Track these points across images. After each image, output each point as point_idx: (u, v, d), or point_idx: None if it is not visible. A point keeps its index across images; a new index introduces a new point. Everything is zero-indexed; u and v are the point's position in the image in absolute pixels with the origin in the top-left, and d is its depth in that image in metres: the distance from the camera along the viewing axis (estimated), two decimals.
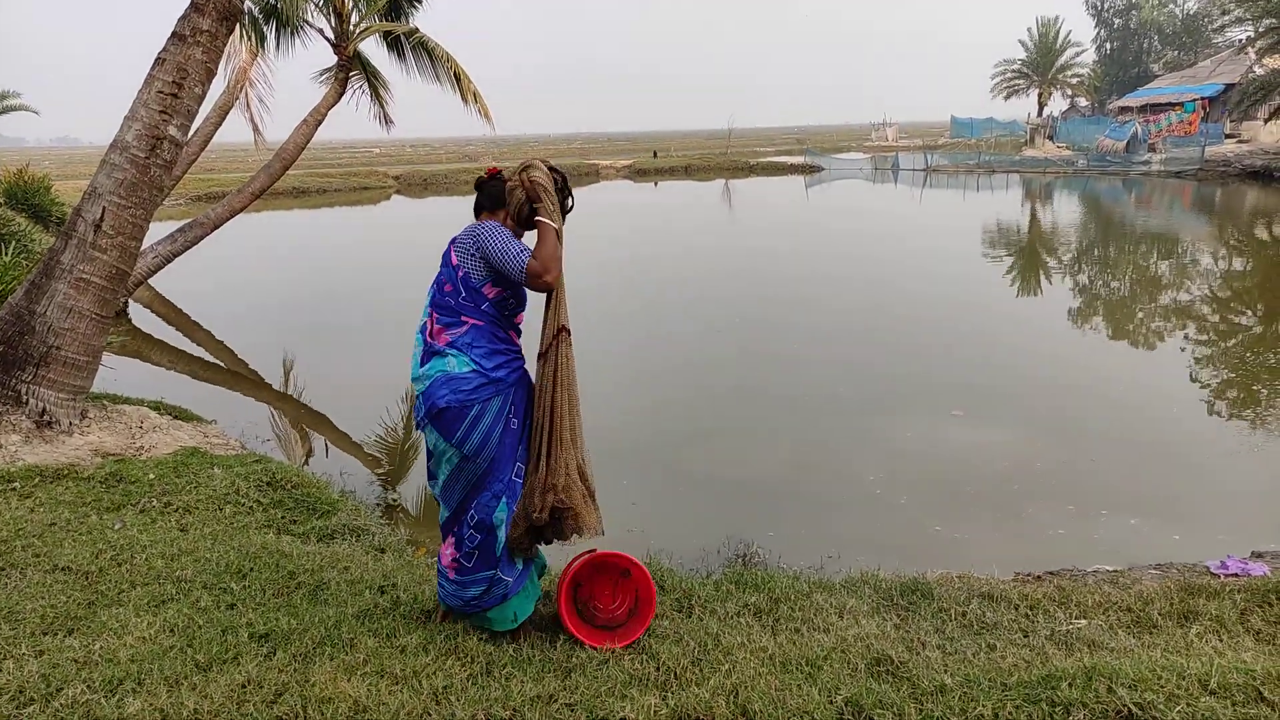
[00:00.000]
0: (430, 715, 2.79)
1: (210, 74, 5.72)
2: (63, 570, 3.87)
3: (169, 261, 13.46)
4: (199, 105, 5.74)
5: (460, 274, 3.22)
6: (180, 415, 6.73)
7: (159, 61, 5.54)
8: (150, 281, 16.23)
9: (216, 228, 13.71)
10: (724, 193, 35.56)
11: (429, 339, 3.27)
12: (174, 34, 5.56)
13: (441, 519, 3.43)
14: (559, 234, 3.23)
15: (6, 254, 8.14)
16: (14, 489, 4.77)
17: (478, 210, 3.41)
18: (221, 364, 11.58)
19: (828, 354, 9.96)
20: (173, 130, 5.58)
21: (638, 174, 45.11)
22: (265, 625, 3.42)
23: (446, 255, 3.29)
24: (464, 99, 12.07)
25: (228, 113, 17.17)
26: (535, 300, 3.36)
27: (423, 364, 3.27)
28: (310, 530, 4.99)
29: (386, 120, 15.19)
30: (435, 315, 3.27)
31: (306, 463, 7.05)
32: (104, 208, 5.43)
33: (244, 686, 2.93)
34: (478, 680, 3.06)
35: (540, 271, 3.12)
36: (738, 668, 3.14)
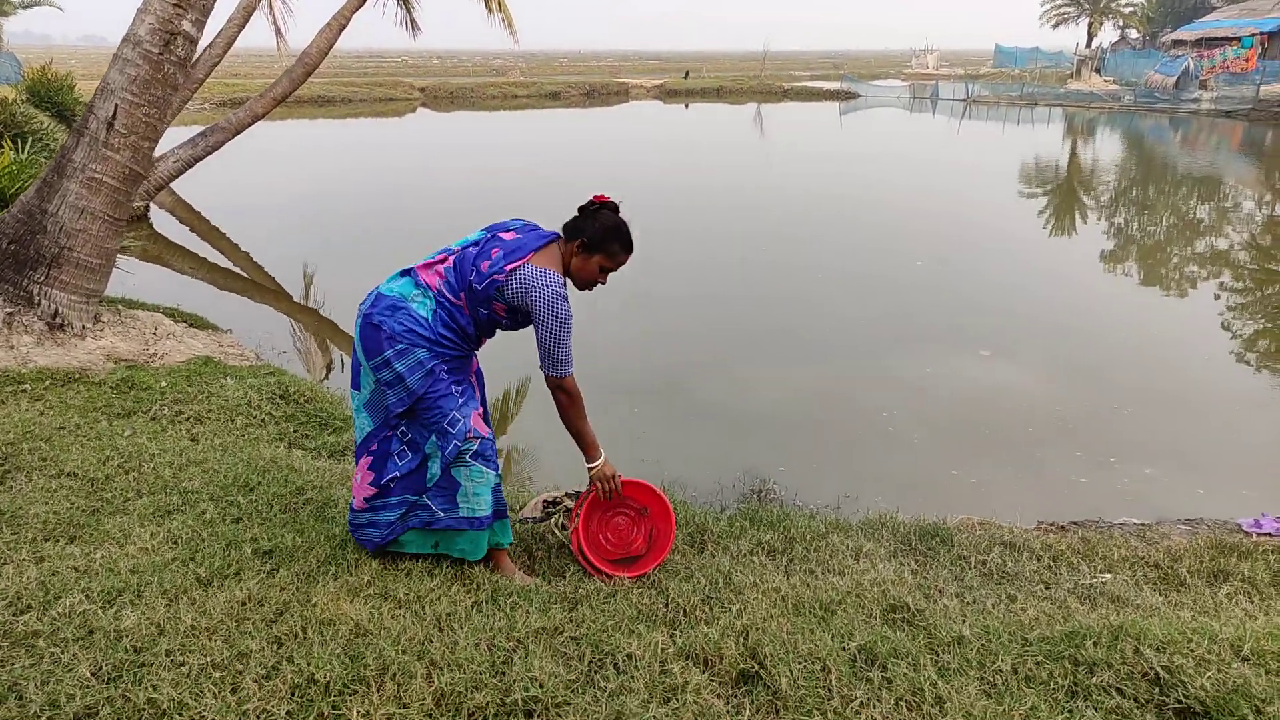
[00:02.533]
0: (432, 641, 2.72)
1: None
2: (69, 476, 3.82)
3: (190, 166, 13.28)
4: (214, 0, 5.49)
5: (491, 284, 2.98)
6: (195, 323, 6.66)
7: None
8: (174, 187, 16.12)
9: (238, 133, 13.47)
10: (755, 117, 34.69)
11: (421, 264, 3.09)
12: None
13: (360, 435, 3.19)
14: (589, 445, 3.22)
15: (24, 151, 7.99)
16: (24, 390, 4.72)
17: (567, 231, 3.11)
18: (243, 273, 11.50)
19: (849, 289, 9.72)
20: (187, 25, 5.35)
21: (668, 94, 44.06)
22: (270, 541, 3.36)
23: (494, 251, 3.00)
24: (488, 7, 11.64)
25: (251, 13, 16.66)
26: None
27: (397, 278, 3.09)
28: (321, 445, 4.93)
29: (413, 25, 14.77)
30: (442, 264, 3.07)
31: (326, 376, 6.99)
32: (116, 105, 5.25)
33: (244, 604, 2.87)
34: (482, 608, 2.99)
35: (566, 394, 3.07)
36: (749, 608, 3.05)
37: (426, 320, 3.02)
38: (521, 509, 4.01)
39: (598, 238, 3.03)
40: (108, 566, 3.06)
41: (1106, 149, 26.26)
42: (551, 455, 5.46)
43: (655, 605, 3.09)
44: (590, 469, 3.23)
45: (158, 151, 14.77)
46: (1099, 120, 33.68)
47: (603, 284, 3.14)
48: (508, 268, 2.96)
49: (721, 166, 20.85)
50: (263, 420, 5.06)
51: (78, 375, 4.99)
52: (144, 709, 2.34)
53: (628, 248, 3.12)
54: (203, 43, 16.06)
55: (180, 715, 2.32)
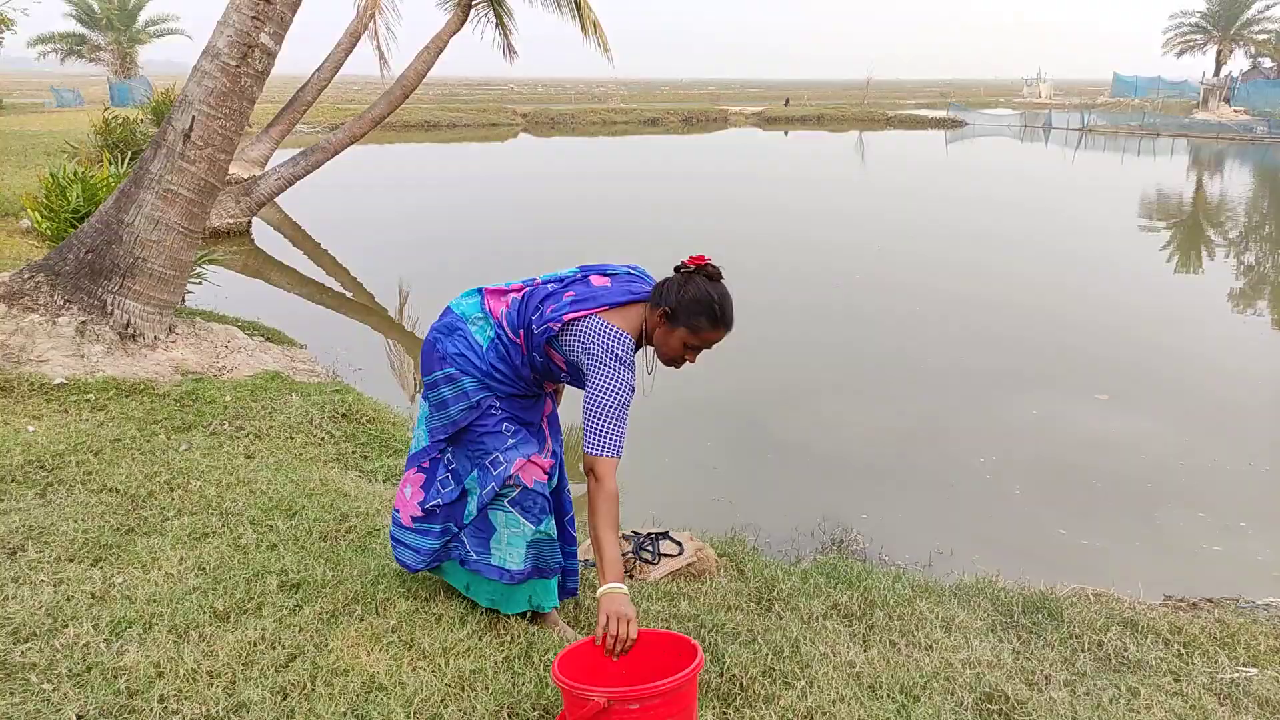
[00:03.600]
0: (448, 705, 2.42)
1: None
2: (110, 491, 3.69)
3: (291, 184, 13.66)
4: (293, 13, 5.44)
5: (546, 331, 2.60)
6: (271, 337, 6.62)
7: None
8: (282, 204, 16.66)
9: (338, 152, 13.80)
10: (857, 144, 33.98)
11: (492, 288, 2.79)
12: None
13: (414, 448, 2.92)
14: (606, 563, 2.42)
15: (123, 165, 8.20)
16: (88, 400, 4.68)
17: (655, 293, 2.61)
18: (341, 289, 11.62)
19: (951, 321, 9.11)
20: (265, 38, 5.31)
21: (767, 121, 43.70)
22: (300, 573, 3.12)
23: (568, 295, 2.62)
24: (583, 29, 11.57)
25: (358, 39, 17.23)
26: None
27: (467, 297, 2.82)
28: (379, 468, 4.74)
29: (510, 50, 14.89)
30: (514, 294, 2.74)
31: (414, 396, 6.85)
32: (193, 117, 5.24)
33: (255, 645, 2.63)
34: (512, 665, 2.67)
35: (597, 481, 2.45)
36: (816, 685, 2.65)
37: (481, 348, 2.73)
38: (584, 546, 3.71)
39: (683, 309, 2.52)
40: (125, 594, 2.87)
41: (1236, 182, 24.60)
42: (638, 497, 5.13)
43: (708, 674, 2.71)
44: (600, 595, 2.39)
45: (264, 165, 15.26)
46: (1228, 152, 31.70)
47: (691, 363, 2.63)
48: (567, 317, 2.55)
49: (818, 194, 20.34)
50: (322, 439, 4.90)
51: (143, 386, 4.93)
52: None
53: (719, 323, 2.56)
54: (311, 67, 16.60)
55: None
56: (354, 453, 4.90)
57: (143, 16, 39.49)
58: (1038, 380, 7.23)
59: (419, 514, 2.93)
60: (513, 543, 2.80)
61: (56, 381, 4.75)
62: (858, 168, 27.09)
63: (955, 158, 30.09)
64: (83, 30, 38.73)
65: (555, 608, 3.03)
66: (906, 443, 6.02)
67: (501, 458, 2.76)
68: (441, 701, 2.44)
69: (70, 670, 2.44)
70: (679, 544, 3.70)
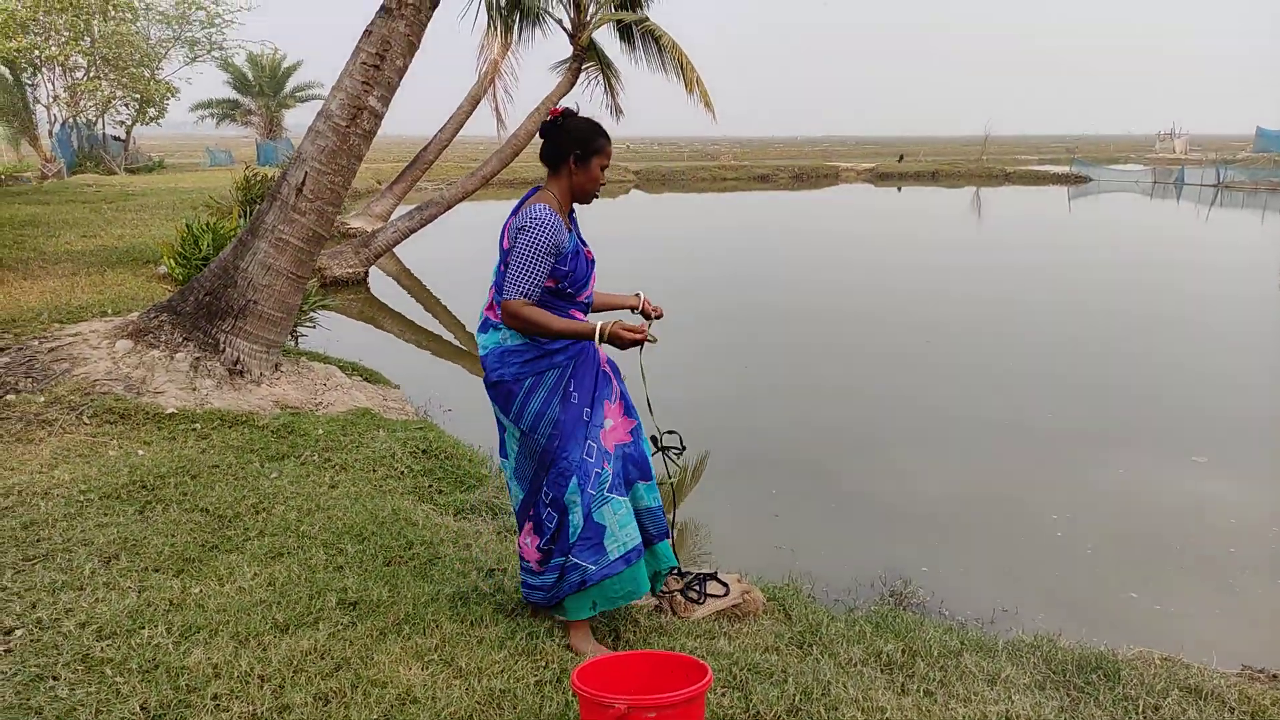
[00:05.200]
0: (474, 718, 2.54)
1: (412, 47, 5.85)
2: (201, 511, 4.02)
3: (407, 235, 14.44)
4: (400, 78, 5.89)
5: (504, 256, 2.98)
6: (369, 377, 7.02)
7: (365, 34, 5.74)
8: (399, 255, 17.59)
9: (450, 207, 14.53)
10: (973, 201, 33.27)
11: (486, 310, 3.08)
12: (382, 7, 5.73)
13: (516, 504, 3.21)
14: (590, 334, 2.92)
15: (245, 218, 8.89)
16: (194, 429, 5.09)
17: (552, 159, 3.04)
18: (447, 335, 12.13)
19: (1047, 383, 8.79)
20: (373, 101, 5.76)
21: (880, 178, 43.31)
22: (359, 593, 3.33)
23: (501, 235, 3.03)
24: (687, 88, 11.92)
25: (478, 102, 18.22)
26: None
27: (481, 331, 3.09)
28: (451, 503, 4.95)
29: (617, 111, 15.41)
30: (493, 291, 3.05)
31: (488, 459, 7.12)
32: (306, 172, 5.70)
33: (306, 655, 2.83)
34: (543, 688, 2.78)
35: (509, 315, 2.91)
36: None
37: (525, 341, 3.00)
38: None
39: (582, 143, 2.98)
40: (199, 603, 3.13)
41: None
42: (697, 542, 5.20)
43: (733, 709, 2.75)
44: (603, 336, 2.90)
45: (387, 219, 16.17)
46: None
47: (602, 184, 3.10)
48: (507, 226, 2.98)
49: (924, 251, 20.00)
50: (401, 473, 5.16)
51: (244, 418, 5.33)
52: None
53: (605, 134, 3.06)
54: (433, 129, 17.54)
55: None
56: (430, 487, 5.13)
57: (290, 83, 42.65)
58: (1132, 440, 6.91)
59: (539, 557, 3.15)
60: (624, 524, 3.07)
61: (168, 411, 5.20)
62: (972, 224, 26.51)
63: (1077, 214, 29.06)
64: (237, 96, 42.10)
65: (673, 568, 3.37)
66: (978, 498, 5.87)
67: (587, 452, 3.02)
68: (468, 716, 2.56)
69: (140, 666, 2.69)
70: (725, 585, 3.73)
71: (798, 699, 2.83)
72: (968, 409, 7.78)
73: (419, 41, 5.91)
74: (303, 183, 5.71)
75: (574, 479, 3.00)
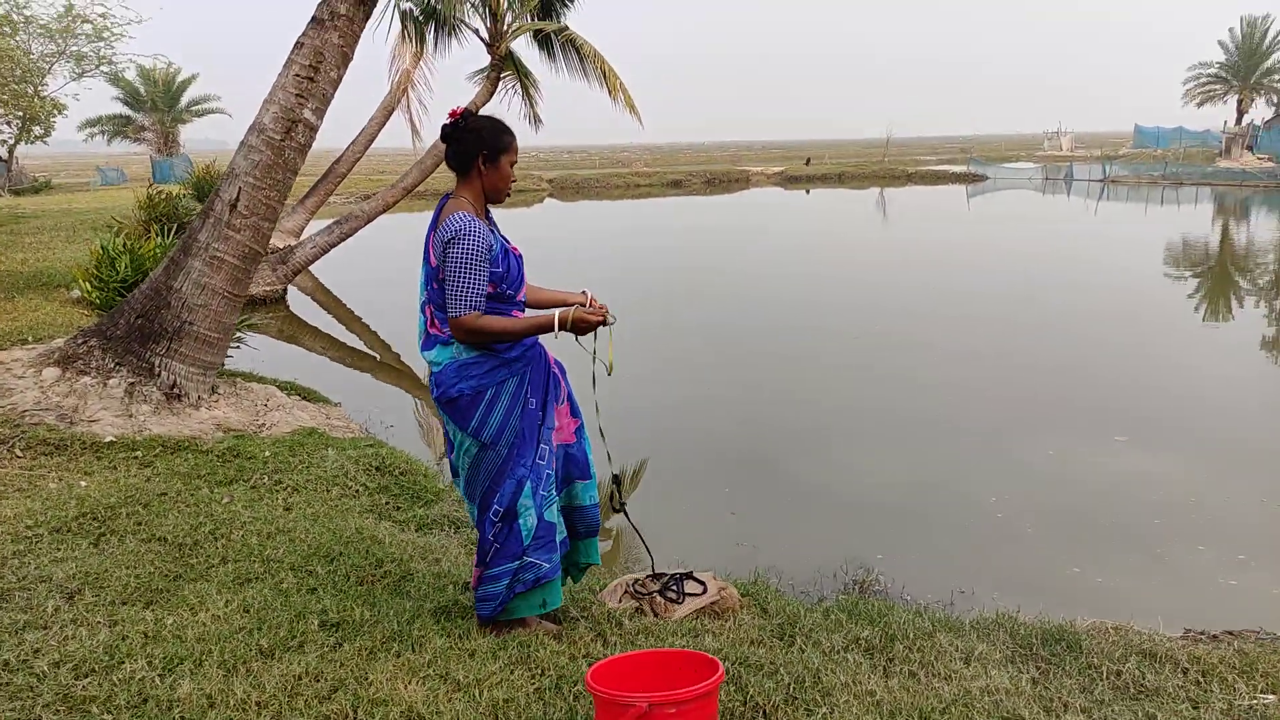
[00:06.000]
0: None
1: (346, 59, 5.76)
2: (159, 540, 3.88)
3: (326, 251, 14.09)
4: (334, 90, 5.79)
5: (441, 276, 2.93)
6: (307, 396, 6.86)
7: (298, 46, 5.63)
8: (315, 272, 17.15)
9: (370, 220, 14.26)
10: (878, 201, 34.31)
11: (430, 329, 3.03)
12: (313, 18, 5.63)
13: (472, 517, 3.22)
14: (550, 326, 2.93)
15: (169, 237, 8.58)
16: (136, 457, 4.90)
17: (460, 163, 3.01)
18: (373, 354, 11.91)
19: (969, 371, 9.18)
20: (308, 114, 5.65)
21: (789, 180, 44.28)
22: (339, 614, 3.28)
23: (426, 251, 2.99)
24: (611, 95, 12.00)
25: (391, 113, 17.92)
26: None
27: (426, 348, 3.05)
28: (411, 518, 4.89)
29: (536, 120, 15.38)
30: (431, 310, 3.01)
31: (443, 459, 7.05)
32: (240, 188, 5.55)
33: (300, 678, 2.77)
34: (544, 695, 2.79)
35: (465, 332, 2.88)
36: (838, 712, 2.73)
37: (480, 356, 2.98)
38: (601, 592, 3.83)
39: (488, 143, 2.96)
40: (176, 633, 3.03)
41: (1264, 229, 24.52)
42: (659, 543, 5.24)
43: (732, 702, 2.80)
44: (560, 328, 2.92)
45: (299, 235, 15.77)
46: (1253, 200, 31.64)
47: (513, 180, 3.09)
48: (430, 239, 2.95)
49: (840, 250, 20.55)
50: (357, 491, 5.08)
51: (187, 444, 5.15)
52: None
53: (509, 130, 3.05)
54: (344, 142, 17.20)
55: None
56: (387, 504, 5.07)
57: (185, 97, 41.14)
58: (1056, 424, 7.28)
59: (477, 574, 3.16)
60: (560, 522, 3.17)
61: (106, 440, 4.99)
62: (878, 223, 27.35)
63: (976, 211, 30.29)
64: (128, 112, 40.37)
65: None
66: (921, 486, 6.10)
67: (540, 455, 3.06)
68: None
69: (128, 702, 2.60)
70: (702, 583, 3.80)
71: (792, 688, 2.91)
72: (900, 404, 8.06)
73: (352, 53, 5.82)
74: (236, 198, 5.56)
75: (527, 484, 3.02)
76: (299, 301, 15.21)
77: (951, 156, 58.92)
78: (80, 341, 5.60)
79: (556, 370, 3.21)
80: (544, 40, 12.74)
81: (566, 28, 12.19)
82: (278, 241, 17.48)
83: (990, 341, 10.49)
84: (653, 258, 19.24)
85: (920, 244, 21.19)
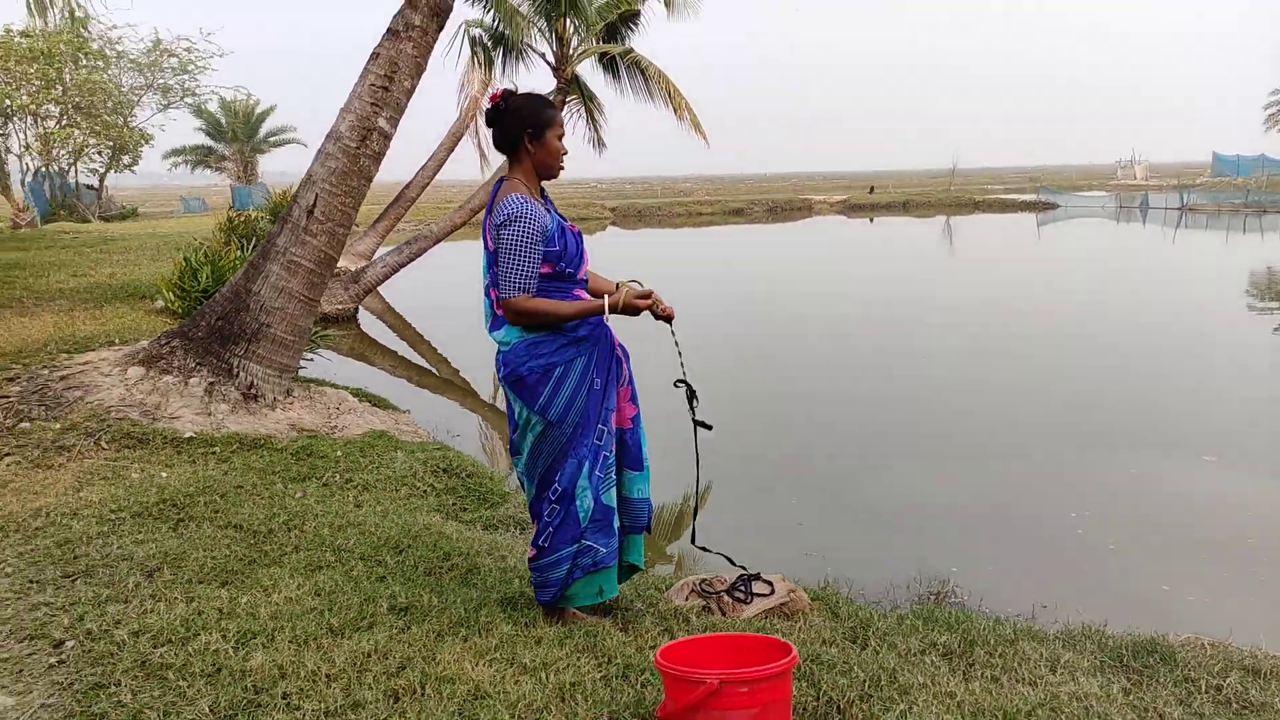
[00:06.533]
0: (551, 711, 2.50)
1: (419, 69, 5.90)
2: (235, 528, 3.95)
3: (396, 271, 14.43)
4: (408, 99, 5.93)
5: (487, 248, 2.99)
6: (378, 403, 6.96)
7: (373, 56, 5.79)
8: (384, 294, 17.53)
9: (439, 240, 14.56)
10: (944, 229, 33.81)
11: (495, 309, 3.02)
12: (388, 30, 5.78)
13: (528, 503, 3.20)
14: (601, 310, 2.93)
15: (248, 250, 8.86)
16: (214, 453, 5.02)
17: (507, 146, 3.02)
18: (438, 372, 12.08)
19: (1048, 387, 8.91)
20: (382, 122, 5.79)
21: (852, 209, 43.95)
22: (407, 599, 3.28)
23: (484, 235, 3.01)
24: (676, 113, 12.08)
25: (459, 139, 18.31)
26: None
27: (494, 329, 3.04)
28: (477, 519, 4.91)
29: (599, 143, 15.56)
30: (495, 292, 2.99)
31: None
32: (317, 194, 5.70)
33: (369, 655, 2.78)
34: (610, 681, 2.74)
35: (514, 314, 2.90)
36: (916, 709, 2.62)
37: (549, 334, 2.97)
38: (668, 590, 3.77)
39: (532, 120, 2.96)
40: (249, 611, 3.06)
41: None
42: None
43: (804, 697, 2.72)
44: (615, 309, 2.93)
45: (370, 258, 16.14)
46: None
47: (565, 154, 3.07)
48: (486, 226, 2.96)
49: (909, 277, 20.26)
50: (424, 491, 5.12)
51: (263, 441, 5.26)
52: None
53: (550, 103, 3.08)
54: (414, 167, 17.59)
55: None
56: (454, 505, 5.09)
57: (264, 128, 42.70)
58: (1143, 443, 7.00)
59: (533, 554, 3.11)
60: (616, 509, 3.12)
61: (186, 435, 5.12)
62: (953, 248, 26.93)
63: (1048, 239, 29.63)
64: (210, 143, 42.06)
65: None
66: (996, 503, 5.92)
67: (598, 435, 3.02)
68: (545, 707, 2.52)
69: (203, 670, 2.63)
70: (770, 584, 3.71)
71: (867, 685, 2.81)
72: (976, 421, 7.85)
73: (425, 63, 5.96)
74: (314, 205, 5.71)
75: (585, 464, 3.00)
76: (368, 322, 15.52)
77: (1020, 186, 57.82)
78: (164, 342, 5.78)
79: (620, 353, 3.19)
80: (609, 63, 12.91)
81: (632, 49, 12.35)
82: (349, 264, 17.93)
83: (1071, 361, 10.19)
84: (719, 282, 19.22)
85: (998, 269, 20.77)
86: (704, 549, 3.24)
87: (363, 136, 5.73)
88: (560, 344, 2.98)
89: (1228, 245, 26.95)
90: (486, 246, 3.01)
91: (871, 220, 39.68)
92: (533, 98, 3.06)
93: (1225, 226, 31.57)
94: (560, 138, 3.05)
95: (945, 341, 11.70)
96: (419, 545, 3.99)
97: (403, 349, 13.48)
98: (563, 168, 3.12)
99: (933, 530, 5.44)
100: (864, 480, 6.46)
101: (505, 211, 2.89)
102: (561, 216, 3.10)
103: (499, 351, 3.08)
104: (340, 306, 13.71)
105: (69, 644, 2.82)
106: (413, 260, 14.08)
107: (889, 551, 5.16)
